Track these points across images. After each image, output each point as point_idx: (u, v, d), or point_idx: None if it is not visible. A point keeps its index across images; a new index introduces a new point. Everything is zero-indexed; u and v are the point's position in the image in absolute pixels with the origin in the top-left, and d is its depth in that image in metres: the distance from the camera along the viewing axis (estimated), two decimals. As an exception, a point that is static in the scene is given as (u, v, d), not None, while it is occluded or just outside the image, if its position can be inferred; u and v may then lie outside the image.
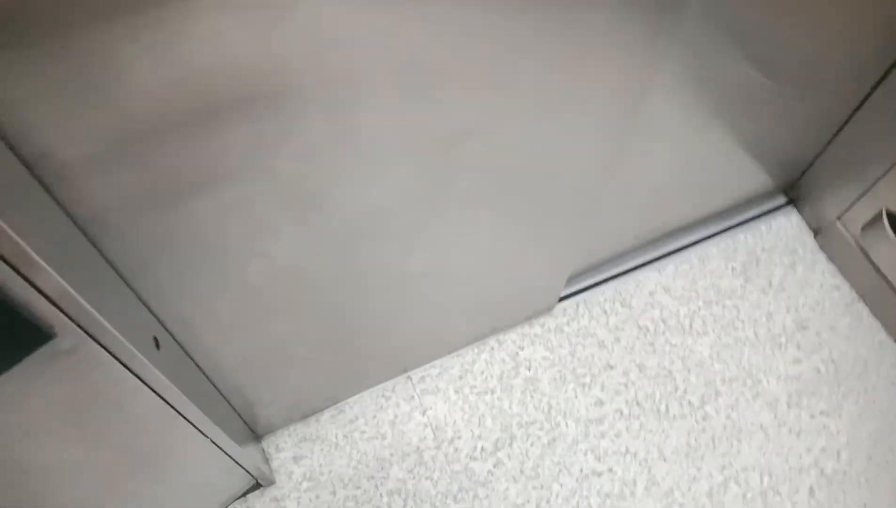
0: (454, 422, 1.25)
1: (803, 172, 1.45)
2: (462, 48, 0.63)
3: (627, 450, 1.25)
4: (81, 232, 0.61)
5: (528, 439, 1.25)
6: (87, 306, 0.56)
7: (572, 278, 1.37)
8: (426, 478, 1.21)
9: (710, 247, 1.44)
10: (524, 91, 0.72)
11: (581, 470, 1.23)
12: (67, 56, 0.47)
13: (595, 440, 1.25)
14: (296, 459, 1.22)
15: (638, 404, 1.29)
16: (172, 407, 0.77)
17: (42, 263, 0.50)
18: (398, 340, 1.17)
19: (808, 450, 1.26)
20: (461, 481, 1.21)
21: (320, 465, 1.21)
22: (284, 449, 1.22)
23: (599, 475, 1.23)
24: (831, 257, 1.44)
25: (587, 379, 1.30)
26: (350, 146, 0.68)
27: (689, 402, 1.29)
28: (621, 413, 1.28)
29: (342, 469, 1.21)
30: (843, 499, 1.23)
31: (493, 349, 1.32)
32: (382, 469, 1.21)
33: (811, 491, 1.23)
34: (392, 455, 1.22)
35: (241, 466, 1.05)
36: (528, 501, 1.20)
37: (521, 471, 1.22)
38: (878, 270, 1.33)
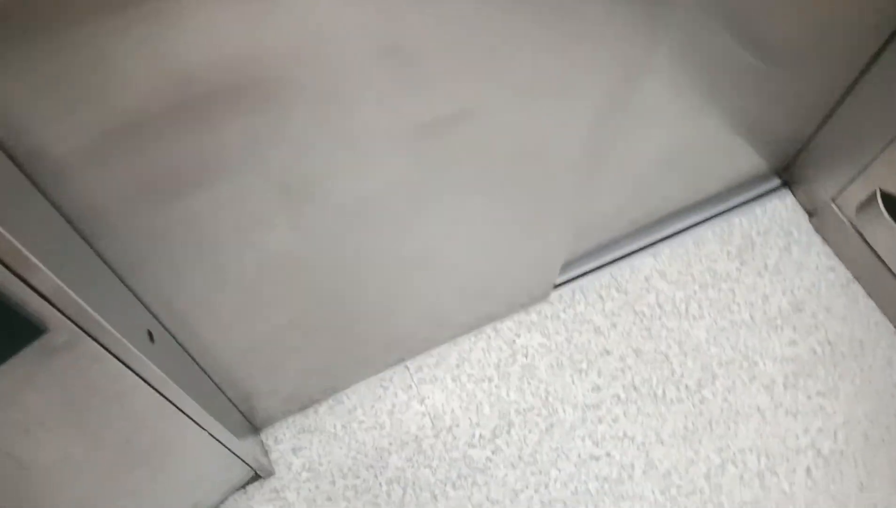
0: (452, 410, 1.26)
1: (797, 154, 1.45)
2: (455, 36, 0.63)
3: (625, 435, 1.25)
4: (72, 227, 0.61)
5: (525, 425, 1.25)
6: (78, 300, 0.56)
7: (568, 265, 1.37)
8: (425, 466, 1.21)
9: (705, 231, 1.44)
10: (516, 77, 0.72)
11: (579, 455, 1.24)
12: (58, 52, 0.47)
13: (592, 425, 1.26)
14: (295, 450, 1.22)
15: (635, 388, 1.29)
16: (169, 401, 0.77)
17: (32, 258, 0.50)
18: (395, 329, 1.17)
19: (804, 431, 1.27)
20: (460, 468, 1.22)
21: (319, 456, 1.22)
22: (283, 441, 1.23)
23: (597, 459, 1.23)
24: (826, 239, 1.44)
25: (584, 365, 1.31)
26: (343, 136, 0.67)
27: (686, 386, 1.30)
28: (618, 398, 1.28)
29: (341, 459, 1.22)
30: (839, 479, 1.24)
31: (489, 337, 1.32)
32: (381, 458, 1.22)
33: (808, 471, 1.24)
34: (391, 444, 1.23)
35: (240, 458, 1.05)
36: (527, 487, 1.21)
37: (520, 457, 1.23)
38: (873, 250, 1.33)
